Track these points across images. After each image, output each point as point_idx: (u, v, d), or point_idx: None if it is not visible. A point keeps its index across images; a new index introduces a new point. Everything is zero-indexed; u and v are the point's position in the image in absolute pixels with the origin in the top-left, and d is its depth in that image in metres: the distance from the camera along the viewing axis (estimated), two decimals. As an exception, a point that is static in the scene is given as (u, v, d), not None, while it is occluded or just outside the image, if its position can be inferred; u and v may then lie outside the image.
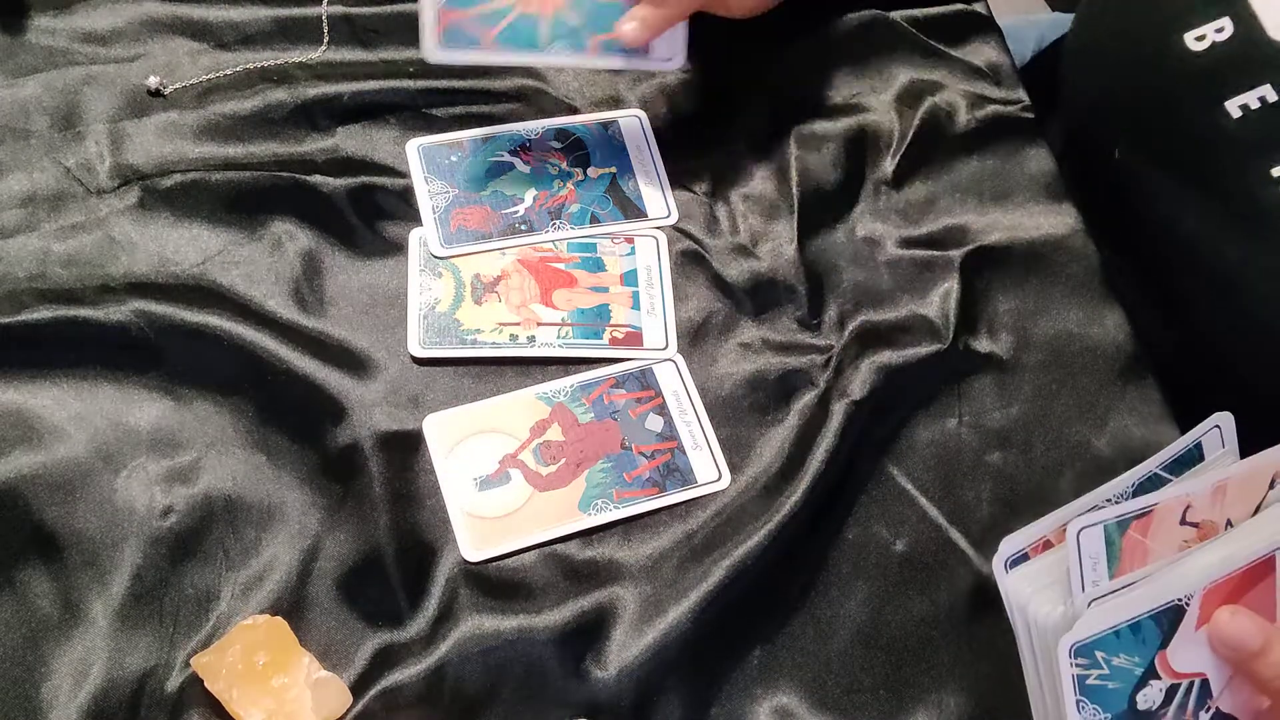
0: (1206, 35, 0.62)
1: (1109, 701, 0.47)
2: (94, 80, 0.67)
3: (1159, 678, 0.47)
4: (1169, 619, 0.46)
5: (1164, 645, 0.47)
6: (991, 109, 0.72)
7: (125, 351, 0.59)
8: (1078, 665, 0.46)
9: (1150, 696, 0.47)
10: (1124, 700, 0.47)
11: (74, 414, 0.58)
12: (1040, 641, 0.49)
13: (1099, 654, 0.46)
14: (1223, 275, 0.64)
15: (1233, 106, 0.61)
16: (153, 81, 0.67)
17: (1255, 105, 0.60)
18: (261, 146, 0.66)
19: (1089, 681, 0.46)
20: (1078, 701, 0.46)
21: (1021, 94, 0.73)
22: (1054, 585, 0.48)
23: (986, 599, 0.57)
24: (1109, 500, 0.51)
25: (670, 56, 0.67)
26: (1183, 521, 0.49)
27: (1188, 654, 0.47)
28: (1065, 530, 0.47)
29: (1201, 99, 0.62)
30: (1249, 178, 0.60)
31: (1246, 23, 0.61)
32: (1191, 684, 0.48)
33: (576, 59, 0.65)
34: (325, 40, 0.71)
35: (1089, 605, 0.46)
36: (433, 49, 0.64)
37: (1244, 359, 0.65)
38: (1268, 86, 0.59)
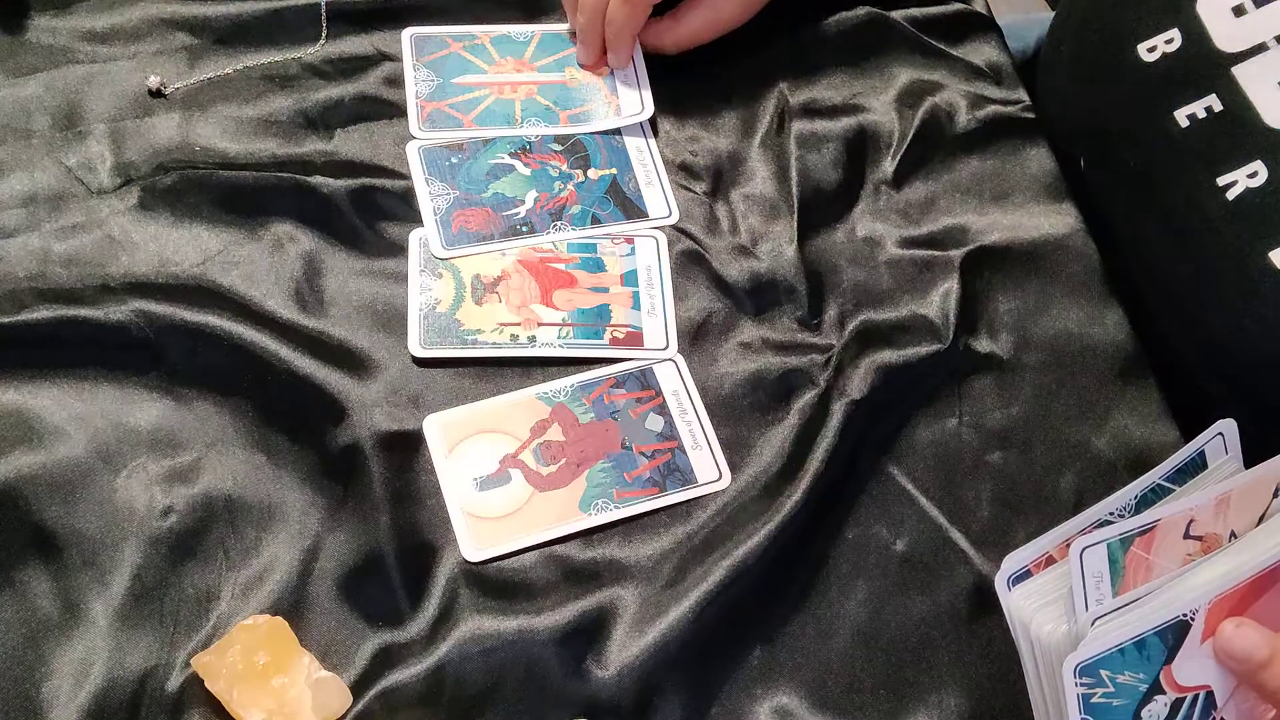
0: (1157, 46, 0.62)
1: (1113, 718, 0.47)
2: (95, 80, 0.68)
3: (1164, 693, 0.47)
4: (1174, 634, 0.46)
5: (1169, 660, 0.46)
6: (991, 109, 0.72)
7: (125, 351, 0.59)
8: (1082, 685, 0.46)
9: (1155, 711, 0.47)
10: (1128, 716, 0.47)
11: (74, 414, 0.58)
12: (1044, 659, 0.49)
13: (1103, 672, 0.46)
14: (1178, 287, 0.64)
15: (1181, 116, 0.61)
16: (153, 81, 0.67)
17: (1202, 115, 0.60)
18: (262, 147, 0.66)
19: (1093, 700, 0.46)
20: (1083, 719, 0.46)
21: (1021, 94, 0.73)
22: (1057, 602, 0.48)
23: (986, 599, 0.57)
24: (1112, 514, 0.51)
25: (639, 109, 0.70)
26: (1186, 535, 0.48)
27: (1193, 668, 0.47)
28: (1067, 546, 0.47)
29: (1152, 108, 0.63)
30: (1196, 187, 0.61)
31: (1194, 34, 0.61)
32: (1196, 697, 0.48)
33: (551, 130, 0.69)
34: (324, 33, 0.71)
35: (1093, 624, 0.46)
36: (417, 130, 0.68)
37: (1202, 371, 0.65)
38: (1213, 96, 0.60)
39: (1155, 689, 0.47)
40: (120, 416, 0.58)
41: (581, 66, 0.71)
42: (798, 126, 0.70)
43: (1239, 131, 0.59)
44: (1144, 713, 0.47)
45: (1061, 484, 0.61)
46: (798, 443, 0.60)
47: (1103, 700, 0.46)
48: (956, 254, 0.66)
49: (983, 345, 0.64)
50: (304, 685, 0.51)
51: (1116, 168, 0.67)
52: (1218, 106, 0.60)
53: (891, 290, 0.65)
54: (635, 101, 0.70)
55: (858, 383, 0.61)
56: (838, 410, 0.60)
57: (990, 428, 0.62)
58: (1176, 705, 0.47)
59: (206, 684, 0.51)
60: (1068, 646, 0.47)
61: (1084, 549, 0.46)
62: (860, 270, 0.66)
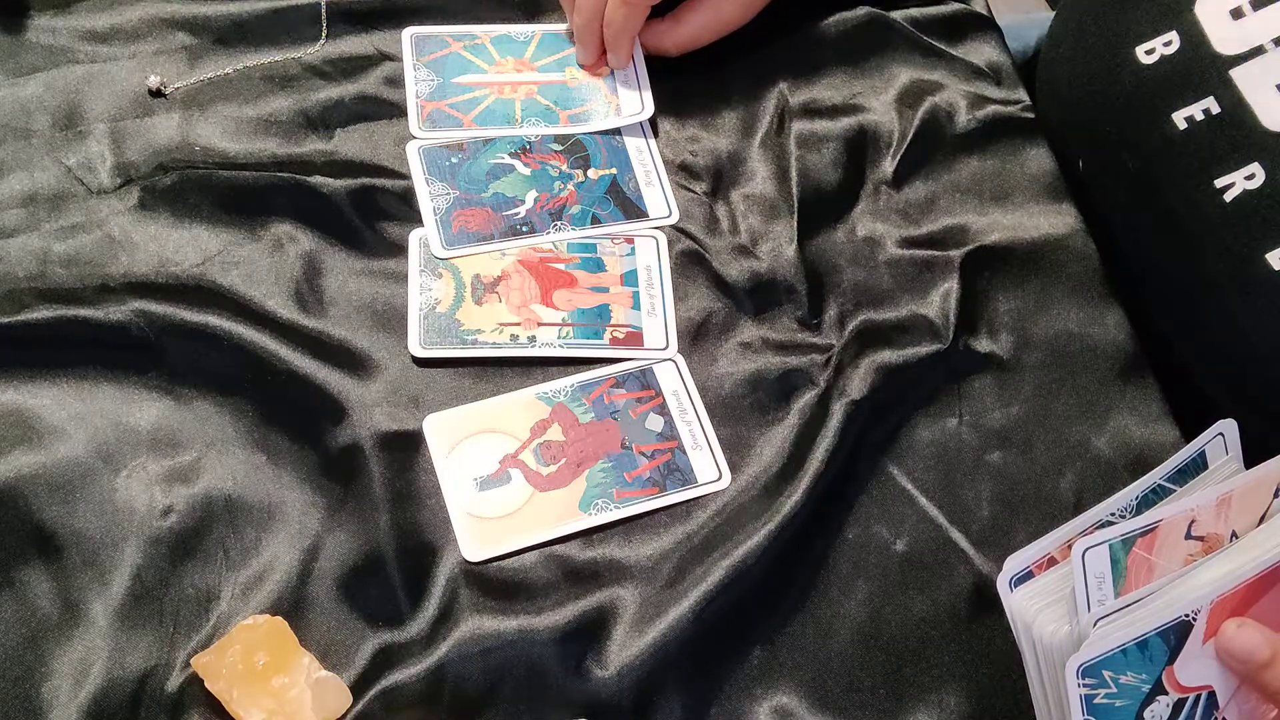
0: (1155, 48, 0.62)
1: (1116, 719, 0.47)
2: (95, 80, 0.68)
3: (1166, 693, 0.47)
4: (1176, 634, 0.46)
5: (1171, 661, 0.46)
6: (991, 109, 0.72)
7: (125, 351, 0.59)
8: (1085, 685, 0.46)
9: (1157, 712, 0.47)
10: (1131, 717, 0.47)
11: (74, 414, 0.58)
12: (1046, 660, 0.49)
13: (1106, 673, 0.46)
14: (1177, 287, 0.64)
15: (1179, 118, 0.61)
16: (154, 81, 0.67)
17: (1200, 117, 0.60)
18: (262, 147, 0.66)
19: (1096, 700, 0.46)
20: None
21: (1022, 94, 0.73)
22: (1059, 603, 0.48)
23: (986, 599, 0.57)
24: (1113, 515, 0.51)
25: (639, 109, 0.70)
26: (1188, 536, 0.49)
27: (1195, 668, 0.47)
28: (1069, 547, 0.47)
29: (1150, 111, 0.63)
30: (1194, 189, 0.61)
31: (1192, 36, 0.61)
32: (1198, 697, 0.48)
33: (552, 130, 0.69)
34: (324, 33, 0.71)
35: (1095, 625, 0.46)
36: (417, 130, 0.68)
37: (1201, 371, 0.65)
38: (1211, 98, 0.60)
39: (1158, 689, 0.47)
40: (120, 416, 0.58)
41: (581, 67, 0.71)
42: (798, 126, 0.70)
43: (1237, 134, 0.59)
44: (1146, 713, 0.47)
45: (1061, 484, 0.61)
46: (798, 443, 0.60)
47: (1105, 701, 0.46)
48: (956, 254, 0.66)
49: (983, 345, 0.64)
50: (304, 685, 0.51)
51: (1115, 170, 0.67)
52: (1216, 109, 0.60)
53: (891, 290, 0.65)
54: (635, 101, 0.70)
55: (858, 383, 0.61)
56: (838, 410, 0.60)
57: (990, 428, 0.62)
58: (1179, 706, 0.47)
59: (206, 684, 0.51)
60: (1070, 647, 0.47)
61: (1086, 550, 0.46)
62: (860, 270, 0.66)
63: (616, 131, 0.69)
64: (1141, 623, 0.46)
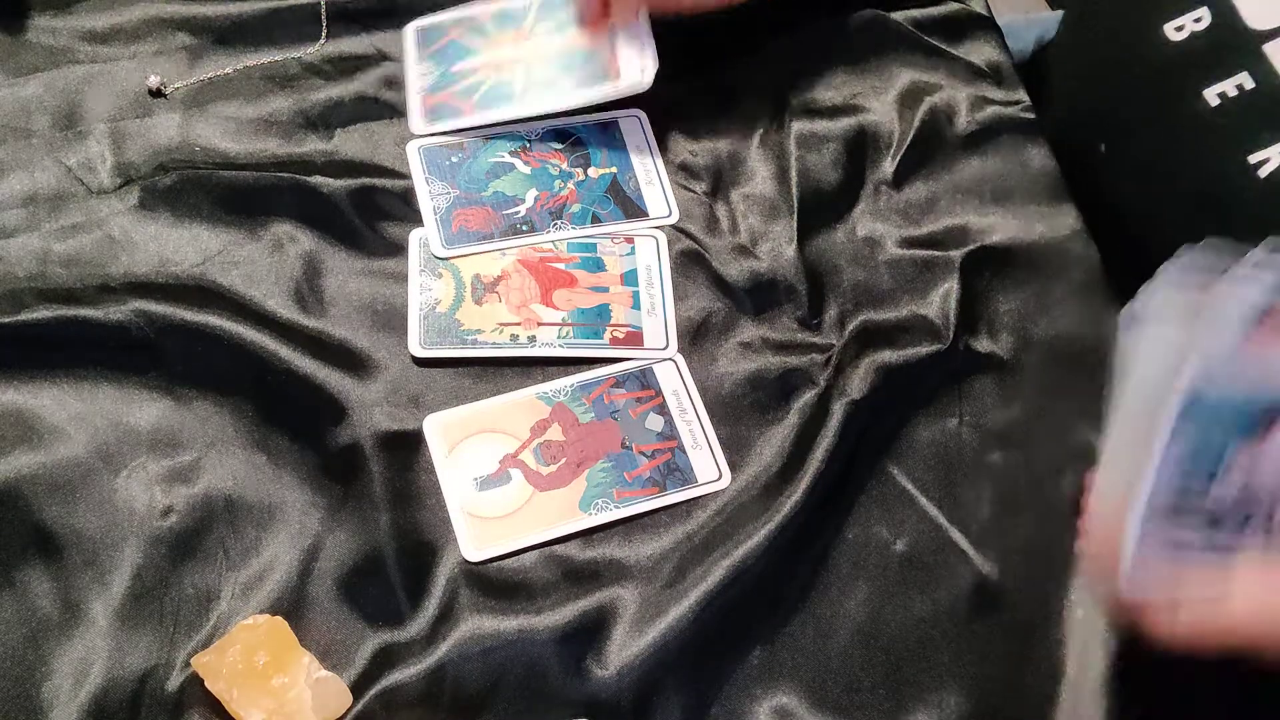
0: (1185, 25, 0.62)
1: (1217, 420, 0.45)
2: (95, 80, 0.68)
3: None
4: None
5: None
6: (992, 109, 0.72)
7: (125, 351, 0.59)
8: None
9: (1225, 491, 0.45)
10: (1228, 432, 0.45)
11: (74, 414, 0.58)
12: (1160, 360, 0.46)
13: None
14: None
15: (1211, 95, 0.61)
16: (154, 81, 0.67)
17: (1233, 93, 0.60)
18: (262, 147, 0.66)
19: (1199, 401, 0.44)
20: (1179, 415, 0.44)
21: (1022, 94, 0.73)
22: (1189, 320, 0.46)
23: (986, 599, 0.57)
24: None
25: (639, 76, 0.68)
26: None
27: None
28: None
29: (1181, 88, 0.62)
30: (1227, 165, 0.60)
31: (1224, 11, 0.61)
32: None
33: (552, 102, 0.68)
34: (324, 33, 0.71)
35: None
36: (420, 126, 0.68)
37: None
38: (1245, 74, 0.60)
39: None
40: (120, 416, 0.58)
41: (582, 25, 0.71)
42: (798, 126, 0.70)
43: (1271, 108, 0.59)
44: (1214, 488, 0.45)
45: (1061, 484, 0.61)
46: (798, 443, 0.60)
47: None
48: (957, 254, 0.66)
49: (983, 345, 0.64)
50: (304, 685, 0.51)
51: (1142, 150, 0.67)
52: (1249, 84, 0.60)
53: (891, 290, 0.65)
54: (635, 70, 0.68)
55: (858, 383, 0.61)
56: (838, 410, 0.60)
57: (990, 428, 0.62)
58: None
59: (206, 684, 0.51)
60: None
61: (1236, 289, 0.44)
62: (860, 270, 0.66)
63: (617, 129, 0.69)
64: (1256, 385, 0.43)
